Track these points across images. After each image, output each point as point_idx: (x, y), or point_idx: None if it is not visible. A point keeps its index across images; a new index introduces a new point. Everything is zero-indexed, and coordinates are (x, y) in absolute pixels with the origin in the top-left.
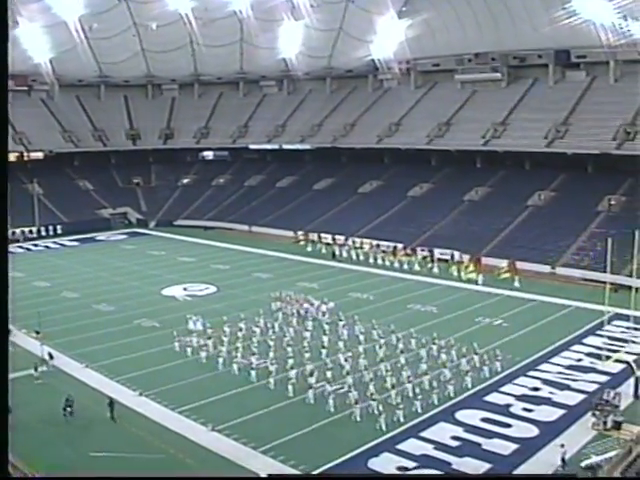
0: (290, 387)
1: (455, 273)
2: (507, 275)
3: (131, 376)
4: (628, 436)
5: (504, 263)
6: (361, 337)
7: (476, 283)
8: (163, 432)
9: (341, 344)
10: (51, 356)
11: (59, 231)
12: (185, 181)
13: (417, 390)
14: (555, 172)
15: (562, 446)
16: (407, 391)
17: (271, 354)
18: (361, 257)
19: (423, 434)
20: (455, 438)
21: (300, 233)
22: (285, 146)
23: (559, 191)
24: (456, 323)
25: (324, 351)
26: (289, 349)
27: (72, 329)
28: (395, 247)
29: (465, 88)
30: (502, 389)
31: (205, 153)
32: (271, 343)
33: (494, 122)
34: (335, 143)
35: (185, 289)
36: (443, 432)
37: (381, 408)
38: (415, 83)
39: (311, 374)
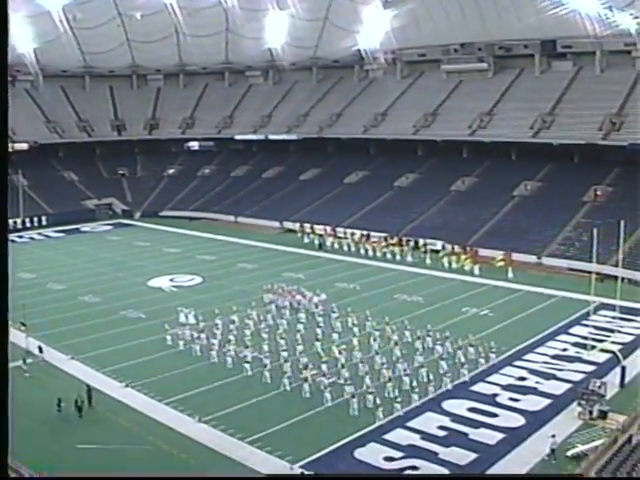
0: (286, 380)
1: (446, 264)
2: (502, 264)
3: (117, 367)
4: (614, 425)
5: (500, 253)
6: (355, 329)
7: (472, 274)
8: (149, 423)
9: (335, 336)
10: (41, 349)
11: (44, 222)
12: (170, 172)
13: (414, 383)
14: (541, 162)
15: (553, 436)
16: (405, 384)
17: (265, 347)
18: (352, 248)
19: (410, 424)
20: (442, 428)
21: (297, 224)
22: (271, 136)
23: (545, 181)
24: (442, 313)
25: (318, 344)
26: (282, 342)
27: (58, 321)
28: (387, 237)
29: (451, 78)
30: (488, 379)
31: (190, 143)
32: (264, 335)
33: (480, 112)
34: (321, 133)
35: (171, 280)
36: (430, 422)
37: (378, 401)
38: (401, 73)
39: (305, 367)
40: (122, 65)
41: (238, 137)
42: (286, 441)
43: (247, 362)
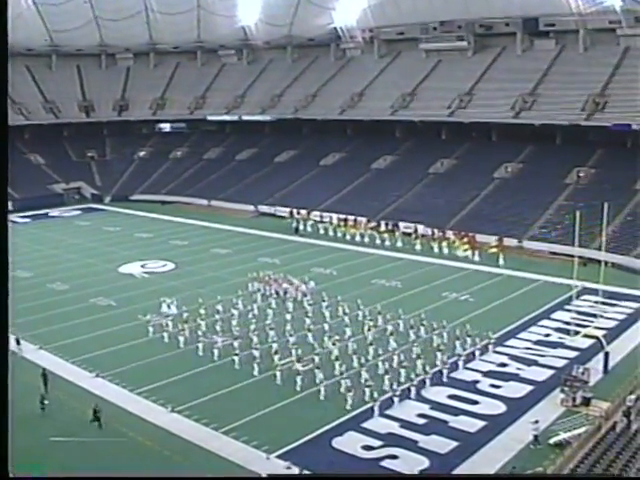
0: (278, 373)
1: (437, 249)
2: (494, 250)
3: (87, 357)
4: (597, 412)
5: (493, 239)
6: (346, 319)
7: (465, 259)
8: (121, 414)
9: (326, 327)
10: (18, 341)
11: (10, 207)
12: (141, 154)
13: (412, 375)
14: (522, 144)
15: (535, 422)
16: (401, 376)
17: (255, 338)
18: (330, 232)
19: (389, 412)
20: (421, 416)
21: (287, 209)
22: (245, 117)
23: (526, 163)
24: (421, 298)
25: (310, 334)
26: (272, 332)
27: (25, 309)
28: (378, 222)
29: (430, 57)
30: (469, 365)
31: (162, 125)
32: (252, 326)
33: (460, 92)
34: (296, 114)
35: (142, 266)
36: (409, 410)
37: (376, 395)
38: (378, 52)
39: (299, 360)
40: (90, 44)
41: (211, 118)
42: (262, 430)
43: (236, 354)
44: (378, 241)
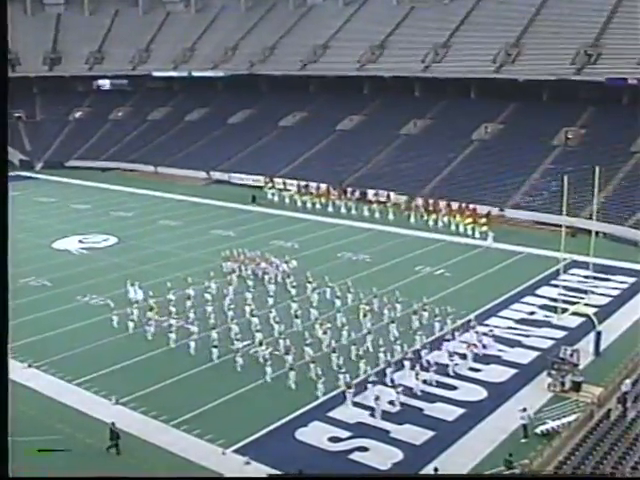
0: (269, 369)
1: (432, 223)
2: (485, 228)
3: (18, 345)
4: (589, 398)
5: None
6: (337, 302)
7: (468, 235)
8: (58, 409)
9: (315, 312)
10: None
11: None
12: (77, 115)
13: (417, 368)
14: (505, 101)
15: (524, 410)
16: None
17: (234, 327)
18: (290, 201)
19: (357, 399)
20: (394, 403)
21: (264, 178)
22: (194, 73)
23: (509, 123)
24: (392, 273)
25: (298, 321)
26: (255, 320)
27: None
28: (365, 193)
29: (402, 4)
30: (446, 347)
31: (100, 82)
32: (230, 313)
33: (435, 44)
34: (252, 70)
35: (80, 241)
36: (380, 396)
37: (378, 393)
38: None
39: (287, 352)
40: None
41: (156, 74)
42: (217, 422)
43: (215, 346)
44: (367, 213)
